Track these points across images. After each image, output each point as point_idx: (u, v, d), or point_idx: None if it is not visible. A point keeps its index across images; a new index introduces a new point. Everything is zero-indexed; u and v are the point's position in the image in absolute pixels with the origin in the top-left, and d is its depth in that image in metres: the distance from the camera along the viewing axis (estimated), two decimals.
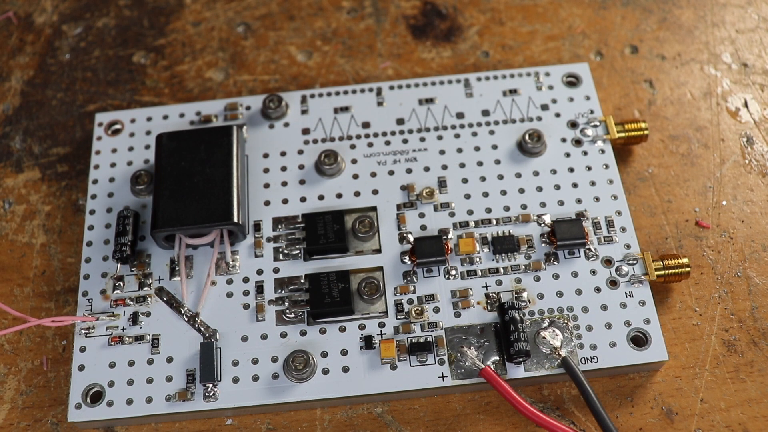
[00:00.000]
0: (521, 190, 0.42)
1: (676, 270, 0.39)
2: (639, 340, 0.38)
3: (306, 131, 0.44)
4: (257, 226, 0.41)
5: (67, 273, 0.42)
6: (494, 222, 0.41)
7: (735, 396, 0.37)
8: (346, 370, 0.37)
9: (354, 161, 0.43)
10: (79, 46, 0.50)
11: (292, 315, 0.39)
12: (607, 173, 0.42)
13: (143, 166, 0.43)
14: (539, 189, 0.42)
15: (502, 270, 0.39)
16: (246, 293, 0.39)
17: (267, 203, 0.42)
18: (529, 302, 0.38)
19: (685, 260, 0.39)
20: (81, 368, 0.38)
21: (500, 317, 0.38)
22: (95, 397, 0.37)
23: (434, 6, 0.51)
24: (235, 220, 0.39)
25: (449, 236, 0.40)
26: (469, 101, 0.45)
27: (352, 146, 0.44)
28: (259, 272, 0.40)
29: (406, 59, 0.49)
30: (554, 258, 0.40)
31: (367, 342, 0.38)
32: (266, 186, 0.42)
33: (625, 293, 0.39)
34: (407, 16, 0.51)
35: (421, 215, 0.41)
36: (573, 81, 0.46)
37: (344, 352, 0.38)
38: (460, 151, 0.43)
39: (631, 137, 0.43)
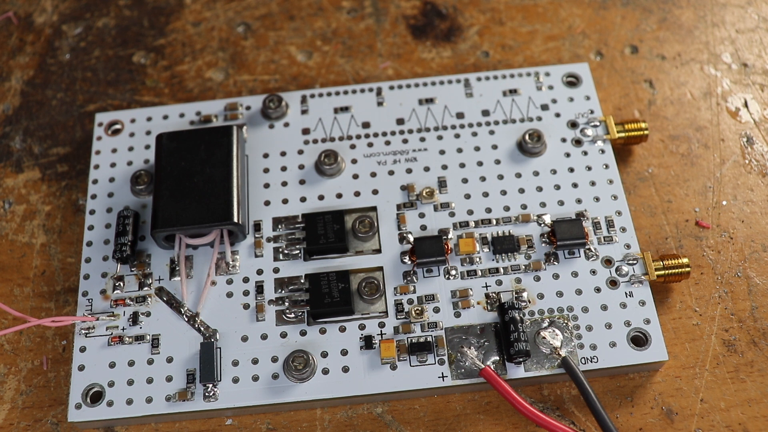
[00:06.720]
0: (521, 190, 0.42)
1: (676, 270, 0.39)
2: (639, 340, 0.38)
3: (306, 131, 0.44)
4: (257, 226, 0.41)
5: (67, 273, 0.42)
6: (494, 222, 0.41)
7: (735, 396, 0.37)
8: (346, 370, 0.37)
9: (354, 161, 0.43)
10: (79, 46, 0.50)
11: (292, 315, 0.39)
12: (607, 173, 0.42)
13: (143, 166, 0.43)
14: (539, 189, 0.42)
15: (502, 270, 0.39)
16: (246, 293, 0.39)
17: (267, 203, 0.42)
18: (529, 302, 0.38)
19: (685, 260, 0.39)
20: (81, 368, 0.38)
21: (500, 317, 0.38)
22: (95, 397, 0.37)
23: (434, 6, 0.51)
24: (235, 220, 0.39)
25: (449, 236, 0.40)
26: (469, 101, 0.45)
27: (352, 146, 0.44)
28: (259, 272, 0.40)
29: (406, 59, 0.49)
30: (554, 258, 0.40)
31: (367, 342, 0.38)
32: (266, 186, 0.42)
33: (625, 293, 0.39)
34: (407, 16, 0.51)
35: (421, 215, 0.41)
36: (573, 81, 0.46)
37: (344, 352, 0.38)
38: (460, 151, 0.43)
39: (631, 137, 0.43)
